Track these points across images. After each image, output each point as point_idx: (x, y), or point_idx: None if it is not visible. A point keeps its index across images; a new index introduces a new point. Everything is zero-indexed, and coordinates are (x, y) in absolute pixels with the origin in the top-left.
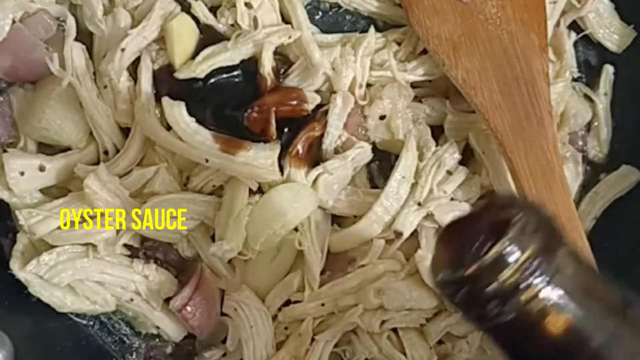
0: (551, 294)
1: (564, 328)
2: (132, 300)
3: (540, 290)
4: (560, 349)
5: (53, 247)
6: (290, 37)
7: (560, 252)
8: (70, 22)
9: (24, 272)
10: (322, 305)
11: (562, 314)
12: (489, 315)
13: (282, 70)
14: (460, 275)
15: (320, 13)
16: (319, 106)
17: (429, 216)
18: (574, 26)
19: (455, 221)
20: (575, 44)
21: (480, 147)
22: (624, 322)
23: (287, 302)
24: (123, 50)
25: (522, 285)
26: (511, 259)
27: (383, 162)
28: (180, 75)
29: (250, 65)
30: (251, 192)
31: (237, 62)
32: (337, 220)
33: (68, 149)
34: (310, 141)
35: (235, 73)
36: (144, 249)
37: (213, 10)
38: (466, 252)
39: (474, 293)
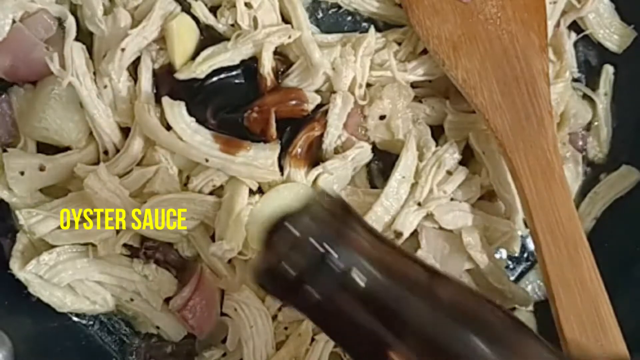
0: (345, 270)
1: (368, 303)
2: (132, 300)
3: (334, 270)
4: (367, 322)
5: (53, 247)
6: (290, 37)
7: (351, 236)
8: (70, 22)
9: (24, 272)
10: None
11: (362, 289)
12: (298, 298)
13: (282, 70)
14: (265, 267)
15: (320, 13)
16: (319, 106)
17: (429, 216)
18: (574, 26)
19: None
20: (576, 44)
21: (480, 147)
22: (429, 294)
23: None
24: (123, 50)
25: (319, 267)
26: (301, 247)
27: (383, 162)
28: (181, 75)
29: (251, 65)
30: (251, 192)
31: (237, 62)
32: None
33: (68, 148)
34: (310, 141)
35: (235, 73)
36: (144, 249)
37: (213, 10)
38: (274, 248)
39: (277, 280)
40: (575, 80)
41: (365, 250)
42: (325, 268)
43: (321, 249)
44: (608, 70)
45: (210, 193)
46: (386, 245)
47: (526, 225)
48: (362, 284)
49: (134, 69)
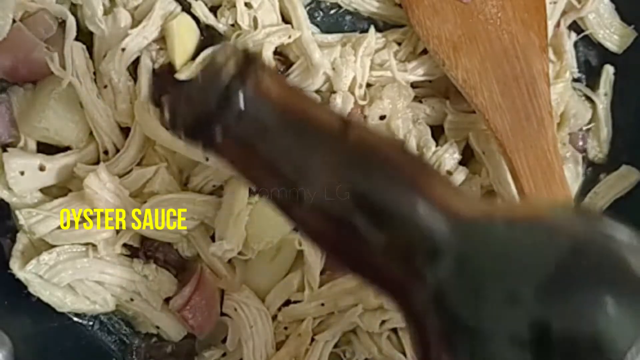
0: (250, 110)
1: (274, 144)
2: (132, 300)
3: (237, 109)
4: (277, 163)
5: (53, 246)
6: (290, 37)
7: (256, 79)
8: (71, 22)
9: (24, 271)
10: (322, 305)
11: (266, 128)
12: (207, 140)
13: (282, 71)
14: (171, 111)
15: (320, 13)
16: None
17: None
18: (575, 26)
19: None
20: (576, 44)
21: (480, 147)
22: (339, 136)
23: (287, 302)
24: (123, 50)
25: (223, 108)
26: (206, 91)
27: None
28: (181, 76)
29: None
30: (251, 192)
31: None
32: None
33: (68, 148)
34: None
35: None
36: (144, 249)
37: (213, 10)
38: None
39: (186, 125)
40: (575, 80)
41: (271, 91)
42: (229, 108)
43: (224, 91)
44: (608, 70)
45: (211, 193)
46: (295, 90)
47: None
48: (267, 123)
49: (134, 69)
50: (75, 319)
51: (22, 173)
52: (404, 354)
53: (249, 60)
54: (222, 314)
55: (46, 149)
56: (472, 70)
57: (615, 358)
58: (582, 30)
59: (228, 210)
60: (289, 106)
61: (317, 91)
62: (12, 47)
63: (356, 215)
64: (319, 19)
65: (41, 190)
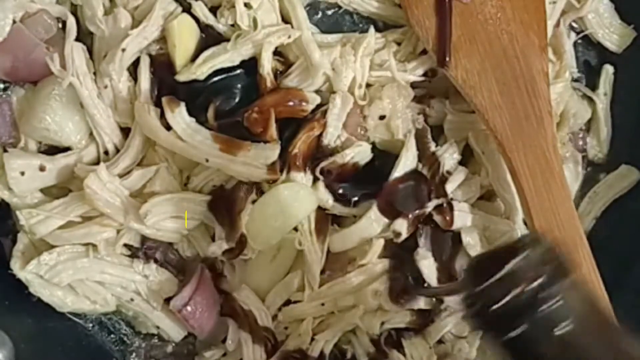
0: (554, 315)
1: (563, 344)
2: (132, 300)
3: (543, 310)
4: None
5: (53, 247)
6: (289, 37)
7: (565, 283)
8: (71, 22)
9: (25, 271)
10: (322, 305)
11: (563, 330)
12: (499, 328)
13: (282, 71)
14: (474, 292)
15: (320, 13)
16: (318, 106)
17: (429, 216)
18: (574, 26)
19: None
20: (575, 44)
21: (480, 147)
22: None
23: (287, 302)
24: (124, 50)
25: (527, 304)
26: (517, 282)
27: (383, 162)
28: (181, 77)
29: (250, 65)
30: (251, 192)
31: (237, 62)
32: (337, 220)
33: (68, 149)
34: (310, 141)
35: (235, 74)
36: (144, 249)
37: (213, 10)
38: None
39: (484, 310)
40: (575, 80)
41: (572, 297)
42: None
43: (535, 287)
44: (608, 70)
45: (210, 193)
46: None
47: (526, 225)
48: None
49: (134, 69)
50: (76, 319)
51: (22, 173)
52: (403, 353)
53: (562, 267)
54: (222, 314)
55: (47, 149)
56: (471, 70)
57: None
58: (582, 30)
59: None
60: (581, 310)
61: (317, 91)
62: (12, 47)
63: None
64: (318, 19)
65: (41, 190)
